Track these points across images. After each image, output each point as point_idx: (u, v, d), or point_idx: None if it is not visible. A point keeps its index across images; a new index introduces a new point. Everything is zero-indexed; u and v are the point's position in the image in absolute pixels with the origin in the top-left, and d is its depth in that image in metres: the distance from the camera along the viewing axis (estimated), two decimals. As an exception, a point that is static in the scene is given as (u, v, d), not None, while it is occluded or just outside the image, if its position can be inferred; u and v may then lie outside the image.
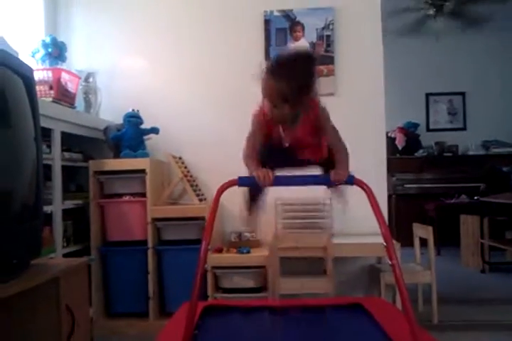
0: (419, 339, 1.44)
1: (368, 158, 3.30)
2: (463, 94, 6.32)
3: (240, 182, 1.68)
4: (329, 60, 3.30)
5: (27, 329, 1.54)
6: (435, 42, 5.36)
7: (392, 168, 5.89)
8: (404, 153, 6.04)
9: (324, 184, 1.70)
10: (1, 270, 1.34)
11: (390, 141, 6.04)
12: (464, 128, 6.36)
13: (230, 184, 1.68)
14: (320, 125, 1.63)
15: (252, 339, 1.86)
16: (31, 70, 1.80)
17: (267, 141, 1.69)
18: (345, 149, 1.68)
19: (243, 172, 1.78)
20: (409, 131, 6.11)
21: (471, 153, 6.08)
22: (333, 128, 1.68)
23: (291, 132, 1.66)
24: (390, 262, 1.54)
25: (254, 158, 1.67)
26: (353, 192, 1.69)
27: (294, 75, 1.50)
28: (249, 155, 1.67)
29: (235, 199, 3.24)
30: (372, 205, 1.60)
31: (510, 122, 6.02)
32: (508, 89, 6.15)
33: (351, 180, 1.63)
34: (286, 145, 1.68)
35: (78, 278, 1.69)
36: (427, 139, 6.20)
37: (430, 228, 2.98)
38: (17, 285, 1.33)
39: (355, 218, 3.10)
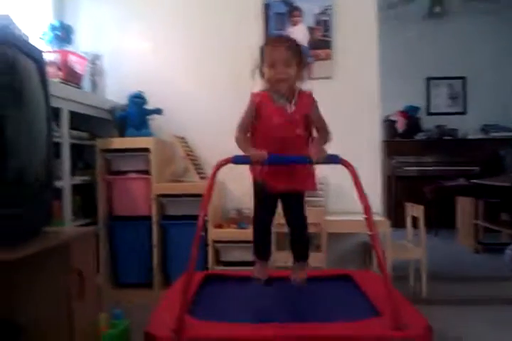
0: (394, 302, 1.59)
1: (362, 141, 3.42)
2: (463, 78, 6.38)
3: (235, 160, 1.82)
4: (326, 45, 3.41)
5: (38, 291, 1.68)
6: (435, 27, 5.40)
7: (391, 151, 6.03)
8: (405, 136, 6.13)
9: (311, 163, 1.83)
10: (17, 234, 1.49)
11: (391, 124, 6.16)
12: (463, 113, 6.43)
13: (226, 162, 1.82)
14: (311, 113, 1.90)
15: (247, 306, 2.03)
16: (41, 53, 1.92)
17: (259, 122, 1.90)
18: (327, 134, 1.92)
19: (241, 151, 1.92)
20: (410, 115, 6.19)
21: (470, 136, 6.15)
22: (321, 116, 1.94)
23: (284, 111, 1.86)
24: (369, 233, 1.69)
25: (246, 141, 1.90)
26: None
27: (289, 43, 1.88)
28: (241, 139, 1.90)
29: (236, 177, 3.40)
30: (354, 182, 1.77)
31: (510, 107, 6.09)
32: (508, 75, 6.21)
33: (337, 160, 1.78)
34: (276, 122, 1.86)
35: (87, 245, 1.83)
36: (428, 123, 6.29)
37: (421, 207, 3.11)
38: (30, 248, 1.47)
39: (350, 197, 3.24)
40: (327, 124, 1.93)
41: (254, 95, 1.93)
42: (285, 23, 3.44)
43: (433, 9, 5.26)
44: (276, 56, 1.83)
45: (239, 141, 1.89)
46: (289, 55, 1.83)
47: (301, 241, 2.06)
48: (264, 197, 2.01)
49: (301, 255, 2.04)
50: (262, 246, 2.12)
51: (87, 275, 1.78)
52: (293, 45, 1.87)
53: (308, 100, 1.90)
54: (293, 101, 1.88)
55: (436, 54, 6.22)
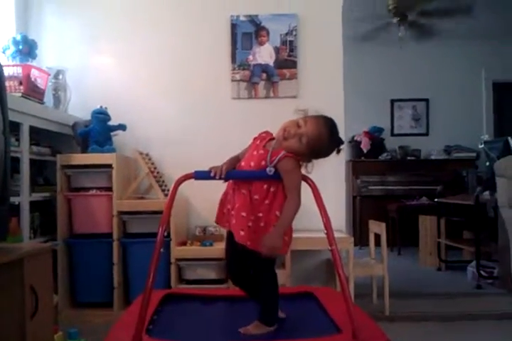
0: (353, 317, 1.59)
1: (327, 161, 3.45)
2: (427, 100, 6.57)
3: (196, 175, 1.81)
4: (292, 64, 3.47)
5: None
6: (399, 50, 5.57)
7: (357, 171, 6.13)
8: (369, 156, 6.23)
9: (271, 178, 1.73)
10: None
11: (356, 145, 6.26)
12: (426, 134, 6.60)
13: (187, 177, 1.80)
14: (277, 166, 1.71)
15: (206, 324, 1.98)
16: (1, 66, 1.89)
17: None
18: (292, 204, 1.71)
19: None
20: (375, 135, 6.31)
21: (433, 157, 6.31)
22: (290, 180, 1.73)
23: (262, 154, 1.75)
24: (329, 248, 1.69)
25: (232, 158, 1.84)
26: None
27: (330, 141, 1.80)
28: (234, 156, 1.85)
29: (200, 194, 3.37)
30: (315, 197, 1.76)
31: (471, 128, 6.26)
32: (469, 97, 6.43)
33: None
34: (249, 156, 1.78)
35: (42, 261, 1.78)
36: (392, 143, 6.42)
37: (383, 224, 3.15)
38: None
39: (313, 215, 3.26)
40: (296, 193, 1.71)
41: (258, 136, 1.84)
42: (252, 42, 3.49)
43: (398, 33, 5.40)
44: (296, 120, 1.74)
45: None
46: (299, 131, 1.70)
47: (258, 301, 1.88)
48: None
49: (259, 313, 1.82)
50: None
51: (42, 293, 1.73)
52: (316, 130, 1.72)
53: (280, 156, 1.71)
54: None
55: (400, 76, 6.39)
